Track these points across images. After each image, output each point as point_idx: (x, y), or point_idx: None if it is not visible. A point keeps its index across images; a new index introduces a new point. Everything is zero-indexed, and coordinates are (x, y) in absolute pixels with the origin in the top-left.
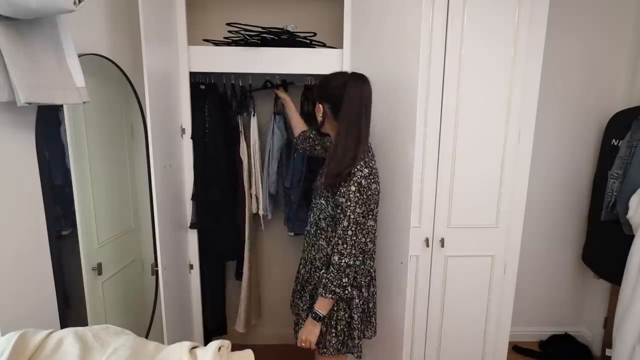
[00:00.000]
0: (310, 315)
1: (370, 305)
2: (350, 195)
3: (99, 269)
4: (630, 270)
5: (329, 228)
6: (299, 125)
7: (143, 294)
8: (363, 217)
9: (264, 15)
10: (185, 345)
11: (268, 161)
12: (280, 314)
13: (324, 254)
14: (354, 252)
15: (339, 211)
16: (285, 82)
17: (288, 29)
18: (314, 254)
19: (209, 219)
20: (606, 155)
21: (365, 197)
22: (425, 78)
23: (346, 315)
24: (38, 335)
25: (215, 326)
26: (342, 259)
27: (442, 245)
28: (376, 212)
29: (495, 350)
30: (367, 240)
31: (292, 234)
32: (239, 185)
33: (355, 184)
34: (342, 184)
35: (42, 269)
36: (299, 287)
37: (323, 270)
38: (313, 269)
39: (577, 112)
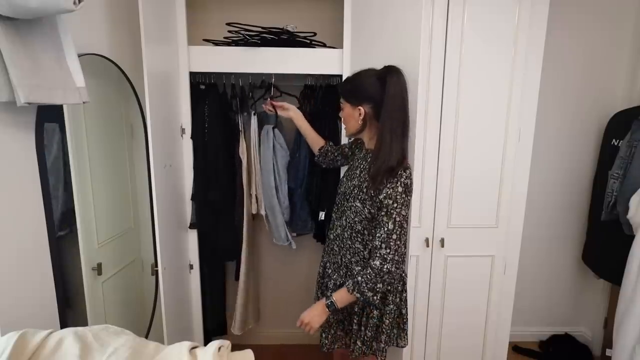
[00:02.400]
0: (324, 300)
1: (404, 311)
2: (397, 197)
3: (99, 269)
4: (630, 270)
5: (365, 231)
6: (315, 140)
7: (143, 294)
8: (406, 220)
9: (264, 15)
10: (185, 345)
11: (276, 184)
12: (280, 314)
13: (361, 257)
14: (396, 258)
15: (382, 213)
16: (271, 84)
17: (288, 29)
18: (349, 257)
19: (208, 219)
20: (606, 155)
21: (409, 198)
22: (426, 78)
23: (377, 320)
24: (38, 335)
25: (215, 326)
26: (384, 265)
27: (442, 245)
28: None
29: (495, 350)
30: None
31: (295, 234)
32: (238, 186)
33: (402, 185)
34: (387, 184)
35: (42, 269)
36: (327, 294)
37: (359, 268)
38: (349, 273)
39: (577, 112)
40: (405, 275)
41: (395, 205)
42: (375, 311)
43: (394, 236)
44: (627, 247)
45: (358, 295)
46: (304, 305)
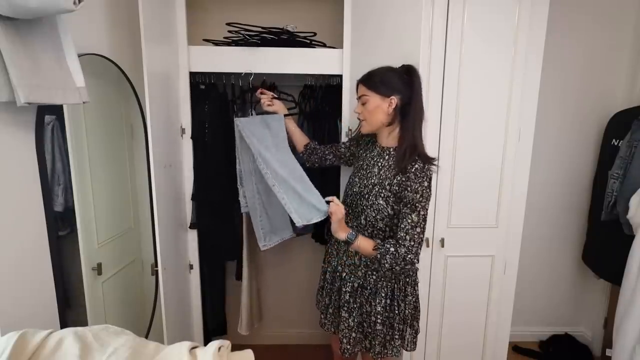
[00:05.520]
0: (351, 230)
1: (418, 306)
2: (424, 192)
3: (99, 269)
4: (630, 270)
5: (387, 228)
6: (300, 139)
7: (143, 294)
8: (427, 214)
9: (264, 15)
10: (185, 345)
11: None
12: (280, 314)
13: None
14: (419, 251)
15: (407, 208)
16: (266, 82)
17: (288, 29)
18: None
19: (209, 219)
20: (606, 155)
21: (431, 192)
22: (426, 78)
23: (399, 315)
24: (38, 335)
25: (215, 326)
26: (407, 255)
27: (442, 245)
28: None
29: (495, 350)
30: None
31: (294, 234)
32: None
33: (428, 180)
34: (413, 179)
35: (42, 269)
36: (344, 299)
37: (393, 241)
38: (369, 272)
39: (577, 112)
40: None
41: (421, 199)
42: (400, 304)
43: (418, 229)
44: (627, 247)
45: (379, 257)
46: (304, 305)
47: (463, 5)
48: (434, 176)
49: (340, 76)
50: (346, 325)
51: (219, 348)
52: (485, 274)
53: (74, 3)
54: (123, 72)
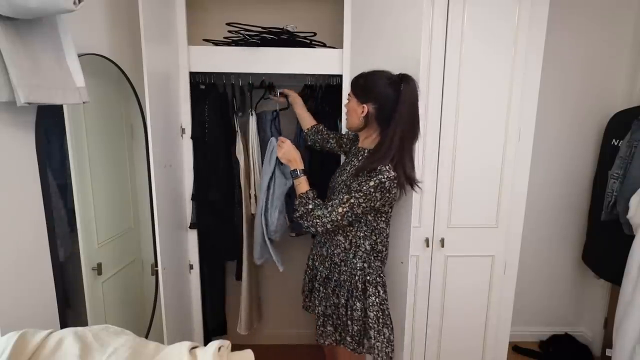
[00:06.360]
0: (299, 171)
1: (387, 312)
2: (364, 187)
3: (99, 269)
4: (630, 270)
5: (349, 226)
6: (307, 120)
7: (143, 294)
8: (361, 211)
9: (264, 15)
10: (185, 345)
11: (266, 206)
12: (280, 314)
13: (342, 249)
14: (328, 227)
15: (346, 189)
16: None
17: (288, 29)
18: (332, 249)
19: (208, 219)
20: (606, 155)
21: (378, 196)
22: (426, 78)
23: (360, 313)
24: (38, 335)
25: (215, 326)
26: (320, 219)
27: (442, 245)
28: (389, 216)
29: (495, 350)
30: (378, 241)
31: (294, 234)
32: (237, 185)
33: (376, 181)
34: (367, 175)
35: (42, 269)
36: (316, 286)
37: (344, 268)
38: (333, 265)
39: (577, 112)
40: (384, 275)
41: (359, 190)
42: (357, 303)
43: (340, 209)
44: (627, 247)
45: (297, 202)
46: None
47: (463, 6)
48: (433, 176)
49: (340, 76)
50: (317, 311)
51: (219, 348)
52: (485, 274)
53: (74, 3)
54: (123, 72)
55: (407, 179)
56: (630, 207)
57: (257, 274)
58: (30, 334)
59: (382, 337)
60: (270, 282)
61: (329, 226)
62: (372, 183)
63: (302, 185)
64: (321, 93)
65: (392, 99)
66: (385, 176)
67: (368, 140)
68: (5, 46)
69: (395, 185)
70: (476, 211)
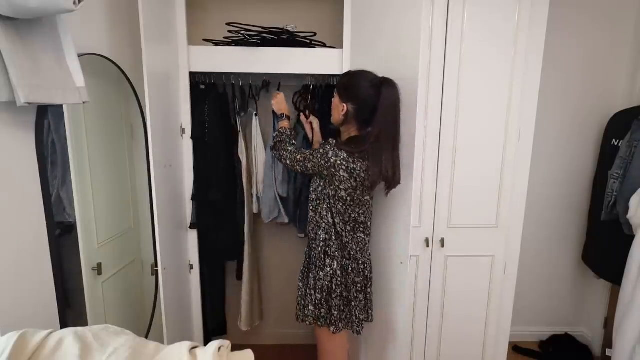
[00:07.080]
0: (285, 115)
1: (345, 294)
2: (317, 151)
3: (99, 269)
4: (630, 270)
5: (317, 200)
6: (317, 145)
7: (143, 294)
8: (312, 171)
9: (264, 15)
10: (185, 345)
11: (273, 162)
12: (280, 314)
13: (315, 222)
14: (287, 162)
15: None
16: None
17: (288, 29)
18: (310, 227)
19: (209, 219)
20: (606, 155)
21: (323, 162)
22: (426, 78)
23: (317, 281)
24: (38, 335)
25: (215, 326)
26: (285, 153)
27: (442, 245)
28: (349, 204)
29: (495, 350)
30: (360, 212)
31: (303, 235)
32: (239, 185)
33: (322, 152)
34: (323, 143)
35: (42, 269)
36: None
37: (315, 244)
38: (310, 241)
39: (577, 112)
40: (342, 250)
41: (314, 151)
42: (320, 272)
43: (299, 156)
44: (627, 247)
45: (275, 135)
46: None
47: (463, 5)
48: (433, 176)
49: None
50: (298, 288)
51: (219, 348)
52: (486, 274)
53: (74, 3)
54: (123, 72)
55: (383, 178)
56: (630, 207)
57: (258, 273)
58: (30, 334)
59: (327, 305)
60: (271, 282)
61: (288, 162)
62: (322, 150)
63: (284, 123)
64: (321, 93)
65: (372, 101)
66: (331, 151)
67: (345, 136)
68: (5, 46)
69: (344, 168)
70: (476, 211)
